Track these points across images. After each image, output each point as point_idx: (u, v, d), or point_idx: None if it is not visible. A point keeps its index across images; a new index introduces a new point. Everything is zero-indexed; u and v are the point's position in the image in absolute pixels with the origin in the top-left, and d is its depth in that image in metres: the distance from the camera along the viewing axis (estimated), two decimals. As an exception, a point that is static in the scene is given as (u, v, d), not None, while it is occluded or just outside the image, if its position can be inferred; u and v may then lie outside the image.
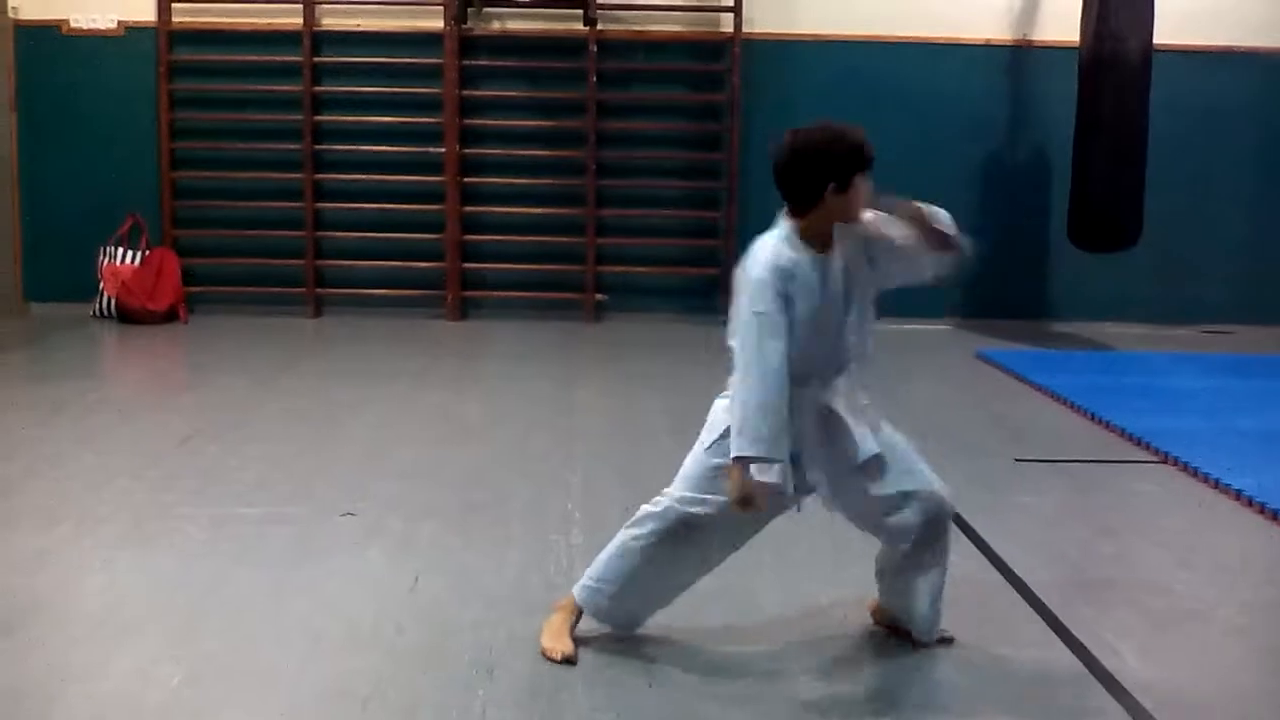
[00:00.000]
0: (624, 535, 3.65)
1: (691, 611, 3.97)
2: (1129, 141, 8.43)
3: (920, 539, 3.63)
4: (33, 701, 3.32)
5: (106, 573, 4.26)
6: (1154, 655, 3.75)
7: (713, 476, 3.50)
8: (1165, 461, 5.87)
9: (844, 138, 3.50)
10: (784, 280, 3.40)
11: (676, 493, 3.57)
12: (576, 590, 3.72)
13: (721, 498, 3.47)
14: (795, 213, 3.49)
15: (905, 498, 3.60)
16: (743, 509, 3.41)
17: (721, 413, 3.52)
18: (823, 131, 3.52)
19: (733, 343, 3.43)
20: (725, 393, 3.53)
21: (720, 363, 7.91)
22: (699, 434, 3.64)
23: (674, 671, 3.57)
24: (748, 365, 3.38)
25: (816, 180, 3.43)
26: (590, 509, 5.08)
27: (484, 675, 3.50)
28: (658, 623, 3.85)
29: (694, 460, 3.58)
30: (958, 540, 4.73)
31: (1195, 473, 5.63)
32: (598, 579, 3.68)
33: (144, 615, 3.90)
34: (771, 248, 3.45)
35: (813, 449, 3.54)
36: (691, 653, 3.70)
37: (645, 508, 3.63)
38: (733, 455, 3.35)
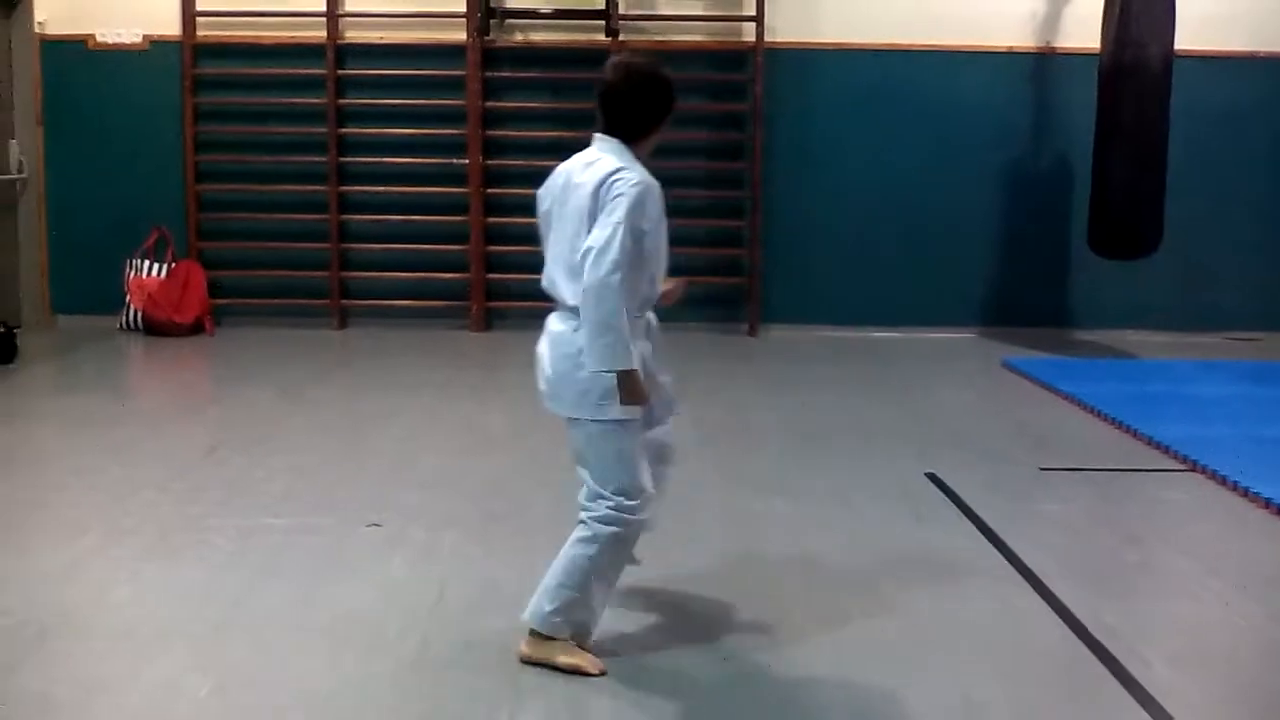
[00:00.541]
0: (586, 555, 3.56)
1: (720, 614, 3.98)
2: (1149, 148, 8.39)
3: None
4: (62, 712, 3.35)
5: (134, 584, 4.29)
6: (1182, 663, 3.73)
7: (633, 463, 3.53)
8: (1192, 469, 5.84)
9: (669, 76, 3.60)
10: (656, 201, 3.46)
11: (621, 501, 3.51)
12: (548, 627, 3.60)
13: (651, 489, 3.56)
14: (626, 139, 3.54)
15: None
16: (640, 405, 3.46)
17: (586, 381, 3.46)
18: (656, 65, 3.61)
19: (599, 248, 3.34)
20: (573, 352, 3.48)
21: (748, 372, 7.83)
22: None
23: (701, 678, 3.57)
24: (616, 280, 3.33)
25: (657, 109, 3.56)
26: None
27: (509, 685, 3.51)
28: (685, 627, 3.86)
29: (614, 459, 3.52)
30: (983, 549, 4.74)
31: (1223, 480, 5.60)
32: (573, 593, 3.59)
33: (171, 626, 3.92)
34: (633, 166, 3.48)
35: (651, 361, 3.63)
36: (719, 657, 3.71)
37: (605, 528, 3.53)
38: (621, 369, 3.38)
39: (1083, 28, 9.23)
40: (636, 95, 3.54)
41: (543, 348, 3.61)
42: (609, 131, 3.55)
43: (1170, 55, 8.34)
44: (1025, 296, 9.81)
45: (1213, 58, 9.46)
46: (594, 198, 3.42)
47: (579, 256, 3.39)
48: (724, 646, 3.81)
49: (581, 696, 3.46)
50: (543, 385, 3.62)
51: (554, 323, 3.59)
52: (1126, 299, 9.71)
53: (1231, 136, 9.68)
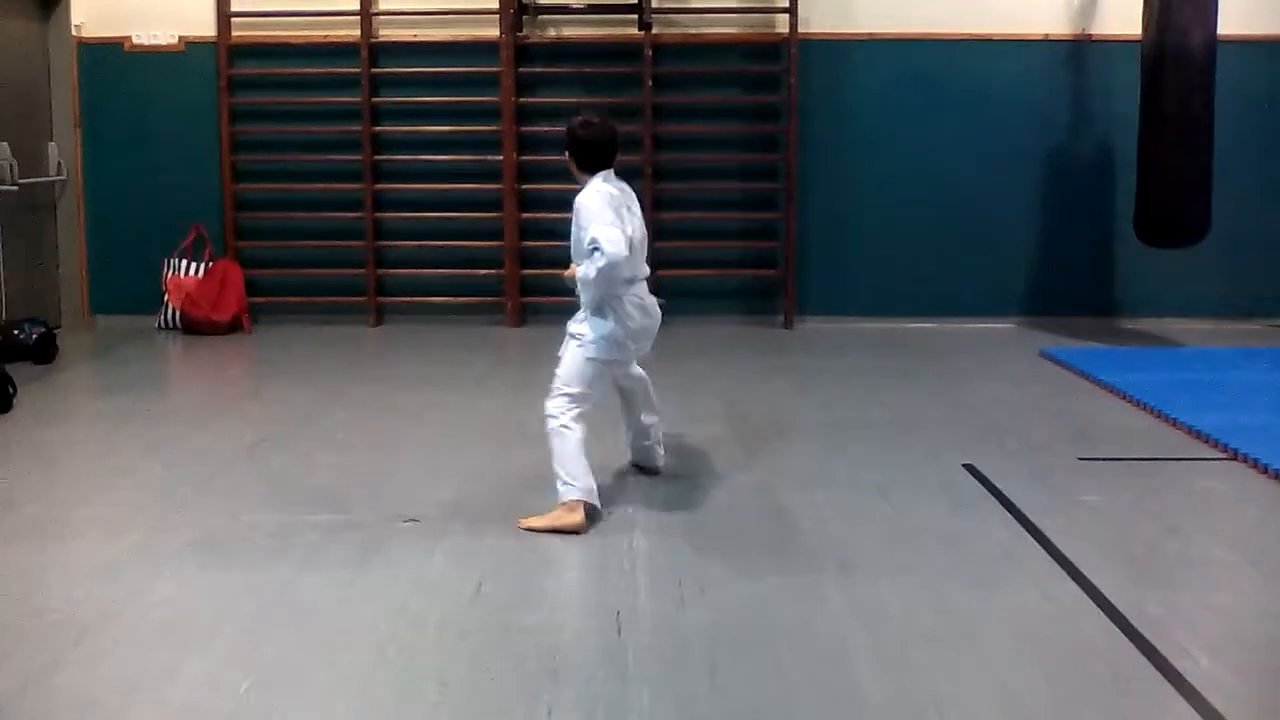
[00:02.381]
0: (555, 428, 4.92)
1: (755, 611, 3.98)
2: (1194, 134, 8.30)
3: None
4: (104, 709, 3.37)
5: (175, 581, 4.32)
6: (1224, 655, 3.70)
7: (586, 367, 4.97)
8: (1234, 458, 5.78)
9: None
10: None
11: (572, 389, 4.94)
12: (564, 492, 4.84)
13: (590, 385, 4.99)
14: (606, 167, 5.00)
15: None
16: None
17: (576, 327, 5.04)
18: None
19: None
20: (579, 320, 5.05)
21: (784, 364, 7.81)
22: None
23: (737, 670, 3.57)
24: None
25: (616, 147, 5.08)
26: (651, 513, 5.08)
27: (549, 678, 3.52)
28: (721, 622, 3.86)
29: (571, 361, 4.99)
30: (1022, 540, 4.71)
31: (1265, 470, 5.55)
32: (567, 474, 4.84)
33: (212, 622, 3.95)
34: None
35: None
36: (754, 653, 3.70)
37: (559, 405, 4.94)
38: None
39: (1119, 15, 9.16)
40: (615, 141, 5.09)
41: (649, 320, 5.10)
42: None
43: (1213, 40, 8.25)
44: (1065, 286, 9.74)
45: (1257, 42, 9.36)
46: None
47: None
48: (759, 639, 3.81)
49: (622, 688, 3.46)
50: (646, 342, 5.17)
51: (648, 294, 5.14)
52: (1167, 287, 9.62)
53: (1277, 122, 9.57)
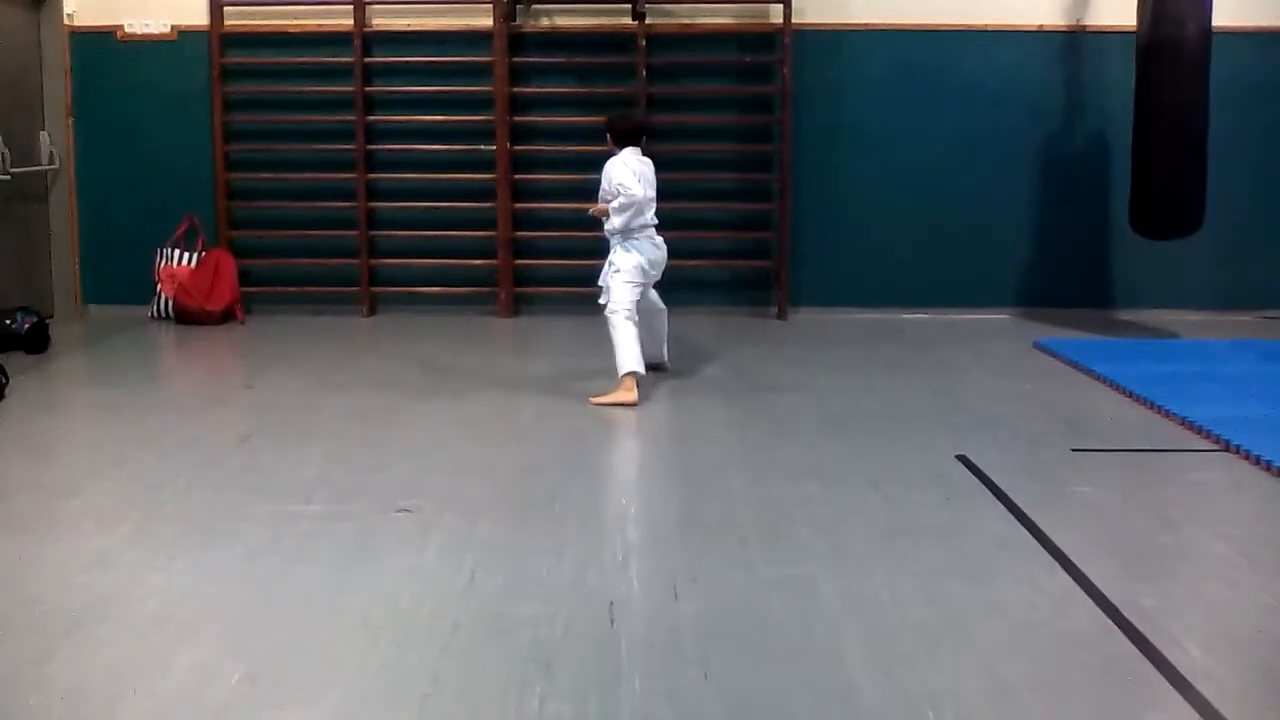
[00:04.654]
0: (619, 322, 6.77)
1: (748, 603, 3.98)
2: (1189, 126, 8.28)
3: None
4: (96, 699, 3.37)
5: (167, 571, 4.31)
6: (1216, 646, 3.71)
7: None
8: (1226, 450, 5.79)
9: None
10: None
11: (624, 304, 6.84)
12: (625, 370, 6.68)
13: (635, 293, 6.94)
14: (634, 144, 7.02)
15: None
16: None
17: (614, 257, 6.97)
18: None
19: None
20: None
21: (778, 355, 7.85)
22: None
23: (729, 662, 3.57)
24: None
25: (644, 131, 7.17)
26: (644, 504, 5.08)
27: (541, 669, 3.52)
28: (714, 613, 3.86)
29: (617, 287, 6.87)
30: (1015, 531, 4.71)
31: (1258, 461, 5.55)
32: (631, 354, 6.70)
33: (204, 613, 3.95)
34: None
35: None
36: (747, 644, 3.70)
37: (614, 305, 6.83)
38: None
39: (1114, 5, 9.16)
40: (644, 126, 7.34)
41: (660, 252, 7.07)
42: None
43: (1209, 31, 8.23)
44: (1059, 277, 9.74)
45: (1252, 33, 9.36)
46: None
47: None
48: (752, 630, 3.81)
49: (615, 679, 3.46)
50: (656, 271, 7.07)
51: (657, 235, 7.10)
52: (1162, 278, 9.62)
53: (1273, 113, 9.57)
